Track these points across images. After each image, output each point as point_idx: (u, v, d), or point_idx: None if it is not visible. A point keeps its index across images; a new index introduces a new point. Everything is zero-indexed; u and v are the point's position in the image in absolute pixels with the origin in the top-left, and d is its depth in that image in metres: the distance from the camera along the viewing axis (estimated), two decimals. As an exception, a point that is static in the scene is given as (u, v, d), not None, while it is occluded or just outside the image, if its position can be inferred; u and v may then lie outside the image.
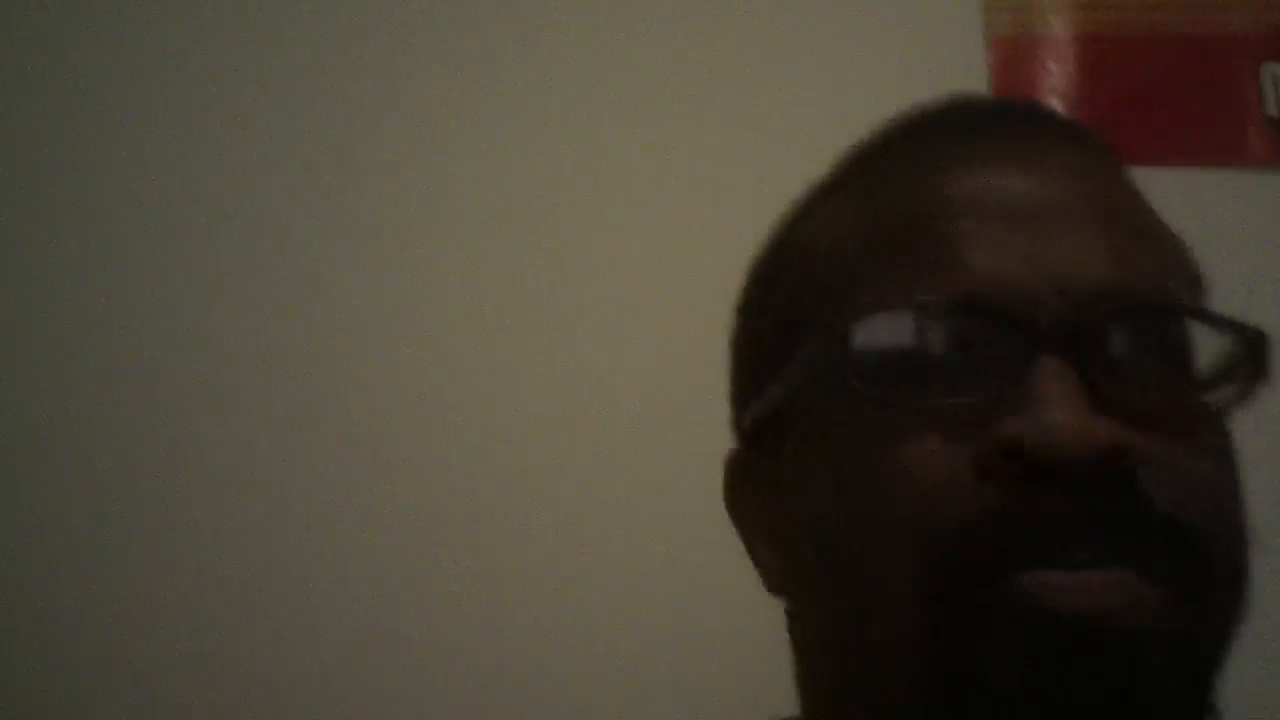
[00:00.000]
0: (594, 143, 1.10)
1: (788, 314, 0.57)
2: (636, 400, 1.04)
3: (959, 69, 0.96)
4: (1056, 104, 1.12)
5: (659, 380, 1.02)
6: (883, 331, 0.50)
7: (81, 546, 1.02)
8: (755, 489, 0.59)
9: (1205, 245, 1.10)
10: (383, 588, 1.02)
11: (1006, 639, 0.46)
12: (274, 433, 1.04)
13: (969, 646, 0.47)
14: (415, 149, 1.09)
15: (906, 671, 0.48)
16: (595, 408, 1.04)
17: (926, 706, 0.48)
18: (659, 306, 1.04)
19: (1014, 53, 1.13)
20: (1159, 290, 0.51)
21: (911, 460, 0.49)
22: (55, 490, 1.03)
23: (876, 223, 0.54)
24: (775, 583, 0.58)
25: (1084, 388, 0.47)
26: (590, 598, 1.02)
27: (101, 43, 1.10)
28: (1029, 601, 0.46)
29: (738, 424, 0.60)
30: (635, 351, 1.05)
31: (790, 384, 0.54)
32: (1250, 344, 0.51)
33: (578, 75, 1.11)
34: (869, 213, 0.55)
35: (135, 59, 1.09)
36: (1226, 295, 1.07)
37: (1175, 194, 1.07)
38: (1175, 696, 0.47)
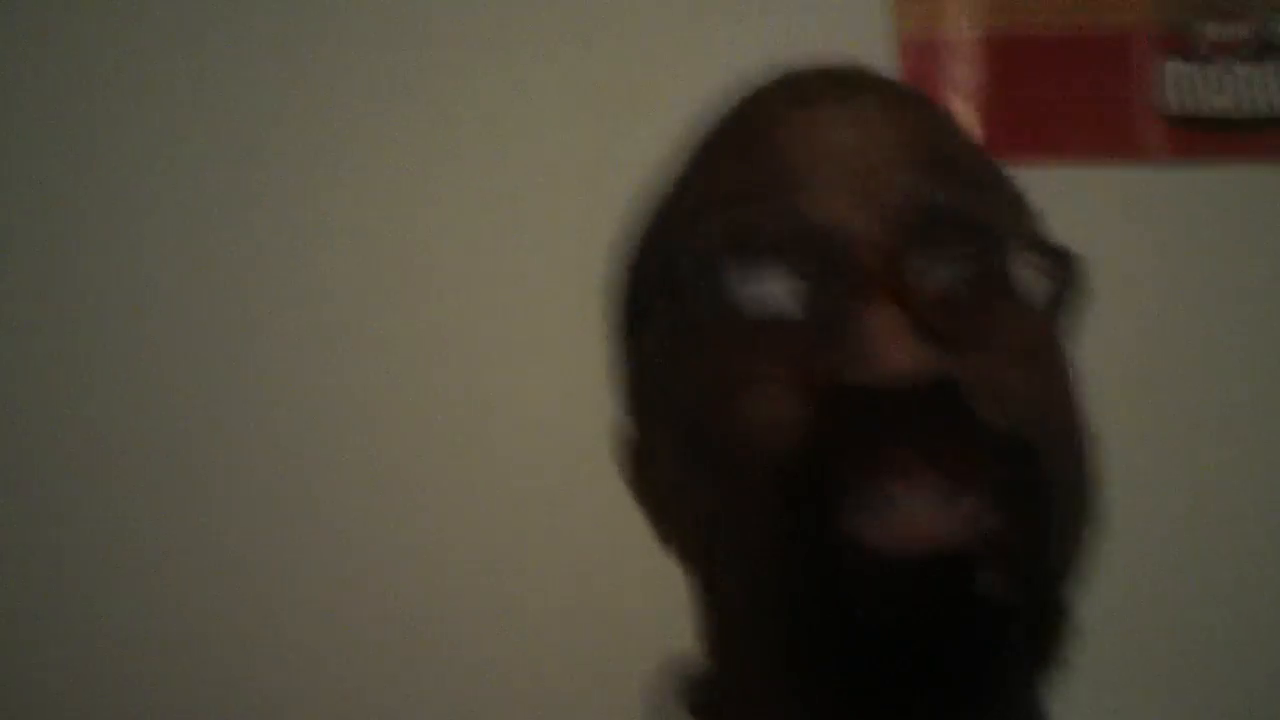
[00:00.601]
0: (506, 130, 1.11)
1: (646, 285, 0.59)
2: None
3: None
4: (963, 103, 1.15)
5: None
6: (721, 290, 0.53)
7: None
8: (636, 452, 0.62)
9: (1105, 237, 1.14)
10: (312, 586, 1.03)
11: (856, 579, 0.48)
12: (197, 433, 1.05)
13: (823, 580, 0.48)
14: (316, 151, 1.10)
15: (770, 606, 0.50)
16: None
17: (796, 639, 0.50)
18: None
19: (922, 53, 1.16)
20: (978, 219, 0.54)
21: (752, 405, 0.51)
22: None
23: (713, 194, 0.57)
24: (662, 536, 0.60)
25: (909, 318, 0.49)
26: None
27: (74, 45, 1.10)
28: (869, 544, 0.47)
29: (618, 393, 0.63)
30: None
31: (650, 348, 0.57)
32: (1063, 263, 0.54)
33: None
34: (706, 186, 0.58)
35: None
36: (1126, 283, 1.12)
37: (1075, 188, 1.12)
38: (1029, 611, 0.49)
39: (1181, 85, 1.16)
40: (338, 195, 1.09)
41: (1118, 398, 1.07)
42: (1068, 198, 1.10)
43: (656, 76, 1.08)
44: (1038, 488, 0.50)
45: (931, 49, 1.16)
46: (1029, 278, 0.53)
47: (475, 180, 1.10)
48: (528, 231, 1.08)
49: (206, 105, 1.10)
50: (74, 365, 1.06)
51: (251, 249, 1.07)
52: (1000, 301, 0.53)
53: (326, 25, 1.11)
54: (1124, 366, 1.07)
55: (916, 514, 0.47)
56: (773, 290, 0.52)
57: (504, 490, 1.04)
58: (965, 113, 1.15)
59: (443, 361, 1.06)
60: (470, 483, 1.04)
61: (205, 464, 1.04)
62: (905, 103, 0.60)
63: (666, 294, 0.54)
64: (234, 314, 1.07)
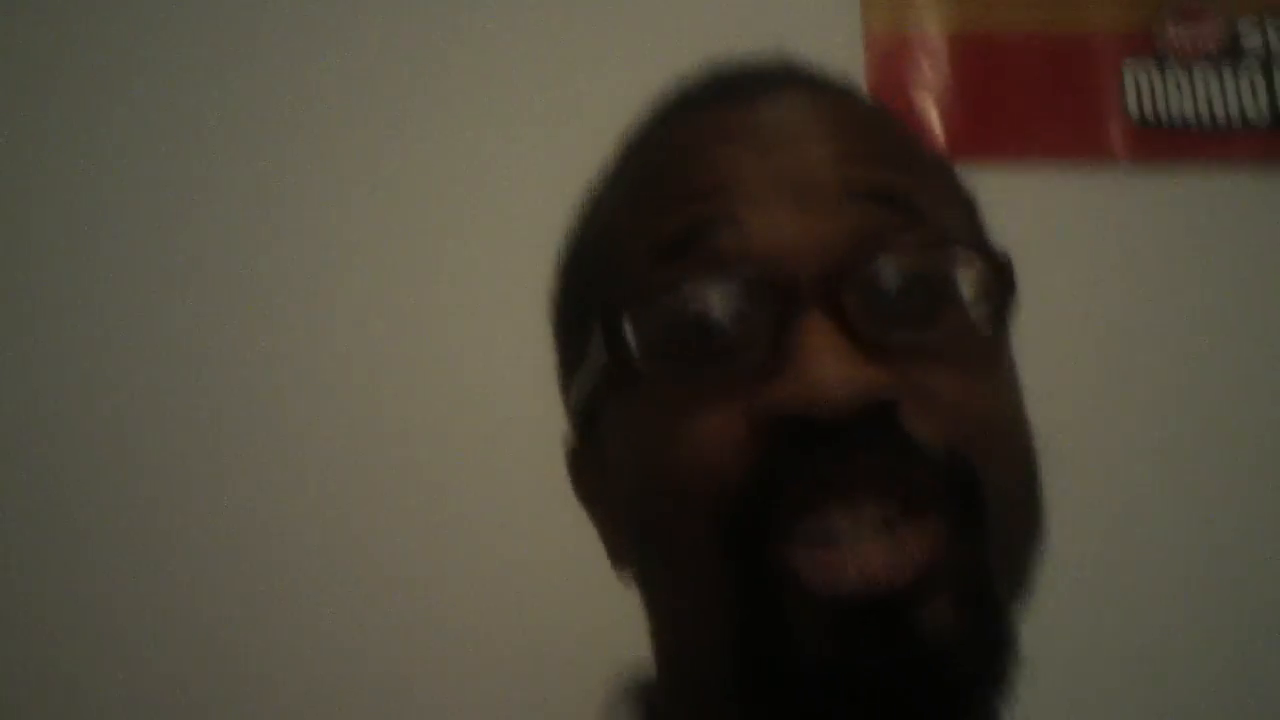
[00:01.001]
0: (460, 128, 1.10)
1: (584, 303, 0.58)
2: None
3: (836, 66, 1.00)
4: (929, 102, 1.15)
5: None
6: (655, 315, 0.51)
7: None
8: (588, 473, 0.61)
9: (1069, 236, 1.14)
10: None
11: (799, 613, 0.47)
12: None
13: (768, 616, 0.48)
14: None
15: (717, 637, 0.50)
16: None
17: (738, 669, 0.49)
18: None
19: (889, 51, 1.16)
20: (916, 205, 0.52)
21: (693, 434, 0.50)
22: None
23: (643, 204, 0.55)
24: (615, 557, 0.60)
25: (845, 335, 0.48)
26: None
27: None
28: (812, 582, 0.47)
29: (567, 412, 0.62)
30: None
31: (591, 374, 0.55)
32: (999, 266, 0.52)
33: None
34: (637, 195, 0.56)
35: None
36: (1089, 284, 1.12)
37: (1040, 189, 1.12)
38: (976, 639, 0.48)
39: (1146, 89, 1.17)
40: (313, 195, 1.08)
41: (1078, 399, 1.08)
42: (1032, 198, 1.11)
43: (621, 74, 1.08)
44: (980, 511, 0.49)
45: (898, 48, 1.16)
46: (970, 281, 0.52)
47: (446, 180, 1.09)
48: (496, 234, 1.08)
49: (165, 102, 1.09)
50: (56, 363, 1.05)
51: (210, 252, 1.07)
52: (942, 308, 0.52)
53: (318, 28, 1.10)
54: (1084, 368, 1.07)
55: (858, 550, 0.47)
56: (711, 305, 0.51)
57: (460, 500, 1.03)
58: (931, 112, 1.15)
59: (408, 372, 1.06)
60: (426, 491, 1.03)
61: (152, 473, 1.03)
62: (838, 96, 0.59)
63: (606, 309, 0.52)
64: (184, 321, 1.06)
